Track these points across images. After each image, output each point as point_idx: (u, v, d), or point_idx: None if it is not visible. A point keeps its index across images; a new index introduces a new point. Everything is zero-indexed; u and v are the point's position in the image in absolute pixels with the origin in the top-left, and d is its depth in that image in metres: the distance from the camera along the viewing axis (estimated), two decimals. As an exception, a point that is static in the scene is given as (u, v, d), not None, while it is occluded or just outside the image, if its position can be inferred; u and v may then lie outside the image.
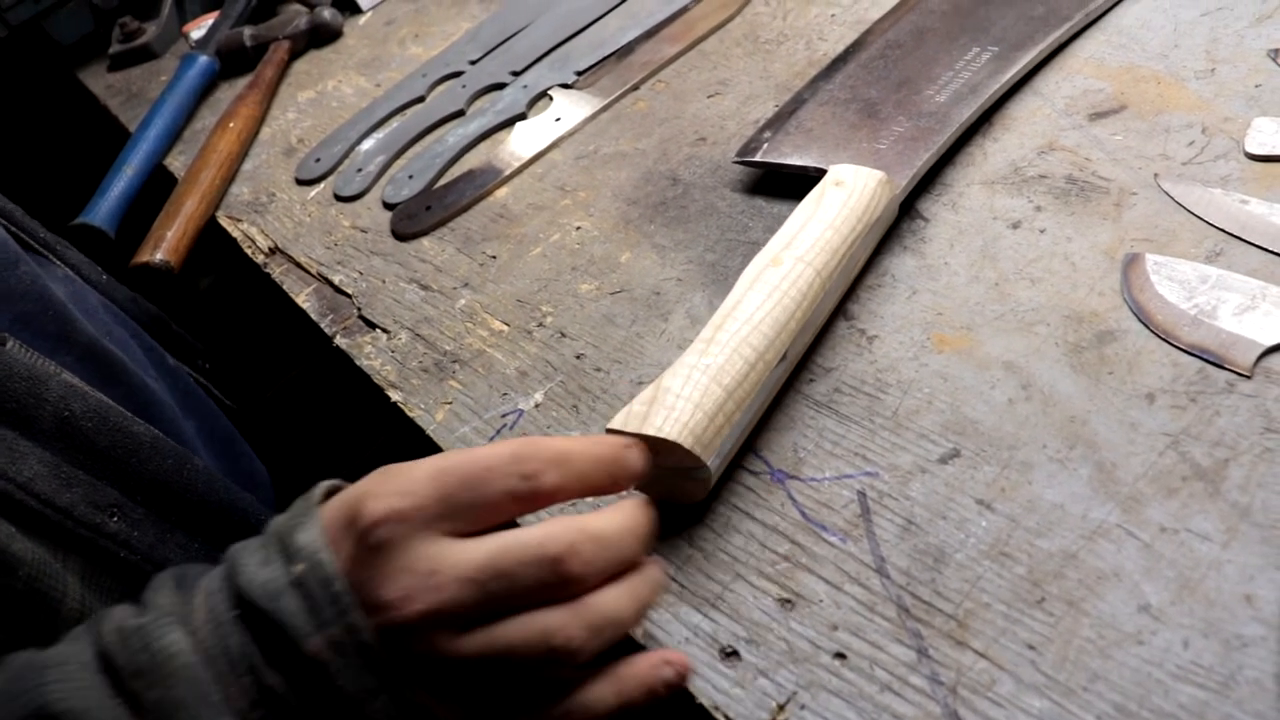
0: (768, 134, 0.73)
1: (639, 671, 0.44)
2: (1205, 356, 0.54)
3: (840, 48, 0.82)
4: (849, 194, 0.61)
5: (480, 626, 0.42)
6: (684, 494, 0.54)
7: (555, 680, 0.44)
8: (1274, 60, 0.68)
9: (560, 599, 0.42)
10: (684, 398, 0.52)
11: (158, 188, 1.02)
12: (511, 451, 0.44)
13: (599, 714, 0.43)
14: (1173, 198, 0.62)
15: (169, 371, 0.79)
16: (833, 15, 0.88)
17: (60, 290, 0.69)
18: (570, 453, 0.44)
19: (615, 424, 0.52)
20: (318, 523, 0.43)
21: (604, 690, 0.44)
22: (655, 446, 0.50)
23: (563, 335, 0.68)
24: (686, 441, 0.50)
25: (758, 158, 0.71)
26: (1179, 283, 0.57)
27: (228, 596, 0.43)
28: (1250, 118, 0.65)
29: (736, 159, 0.73)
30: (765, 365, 0.54)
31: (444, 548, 0.42)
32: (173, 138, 1.08)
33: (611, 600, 0.43)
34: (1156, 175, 0.63)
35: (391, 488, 0.43)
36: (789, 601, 0.50)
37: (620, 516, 0.44)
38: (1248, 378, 0.52)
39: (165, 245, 0.88)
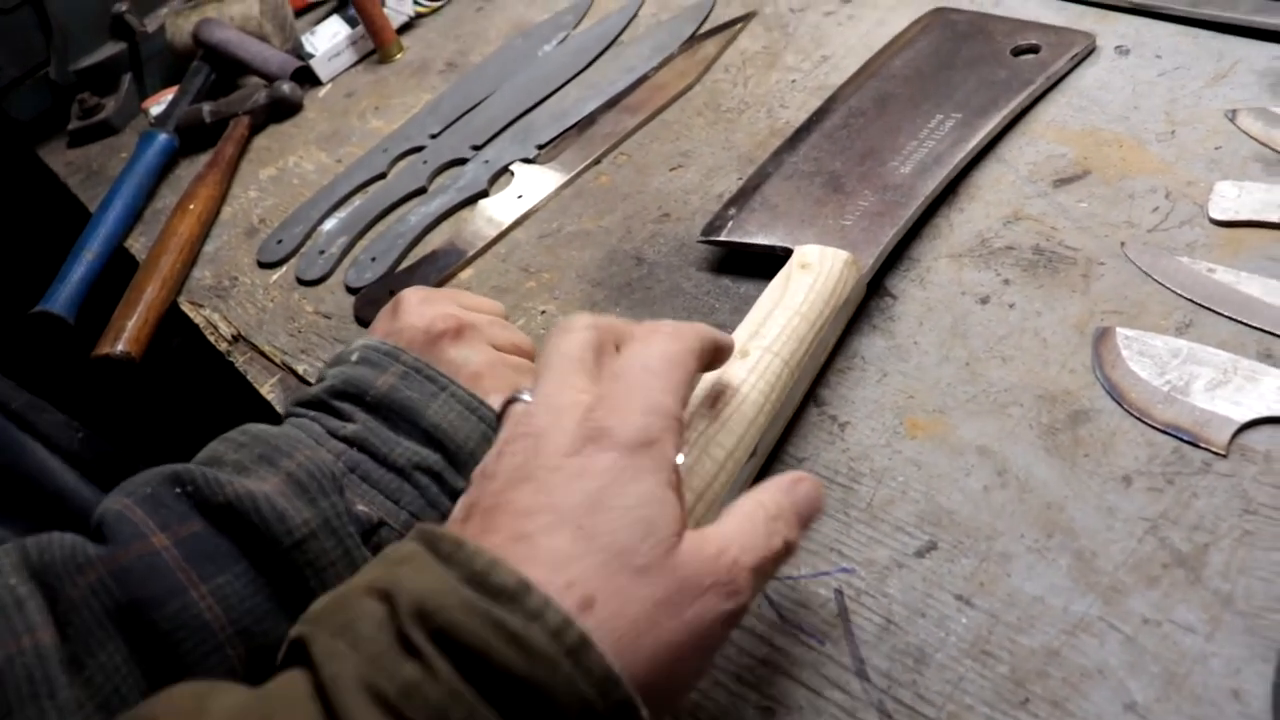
0: (732, 211, 0.72)
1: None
2: (1180, 435, 0.53)
3: (802, 115, 0.81)
4: (815, 277, 0.60)
5: None
6: None
7: None
8: (1231, 121, 0.68)
9: None
10: None
11: (119, 270, 1.01)
12: None
13: None
14: (1140, 267, 0.61)
15: None
16: (793, 81, 0.87)
17: None
18: None
19: None
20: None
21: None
22: None
23: (530, 427, 0.67)
24: None
25: (723, 237, 0.70)
26: (1151, 358, 0.56)
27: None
28: (1212, 181, 0.64)
29: (702, 239, 0.72)
30: (735, 464, 0.53)
31: None
32: (133, 218, 1.06)
33: None
34: (1123, 244, 0.63)
35: None
36: (769, 709, 0.49)
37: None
38: (1224, 456, 0.51)
39: (126, 336, 0.87)
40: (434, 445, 0.55)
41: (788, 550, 0.43)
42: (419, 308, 0.62)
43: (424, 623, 0.34)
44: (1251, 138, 0.66)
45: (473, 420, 0.56)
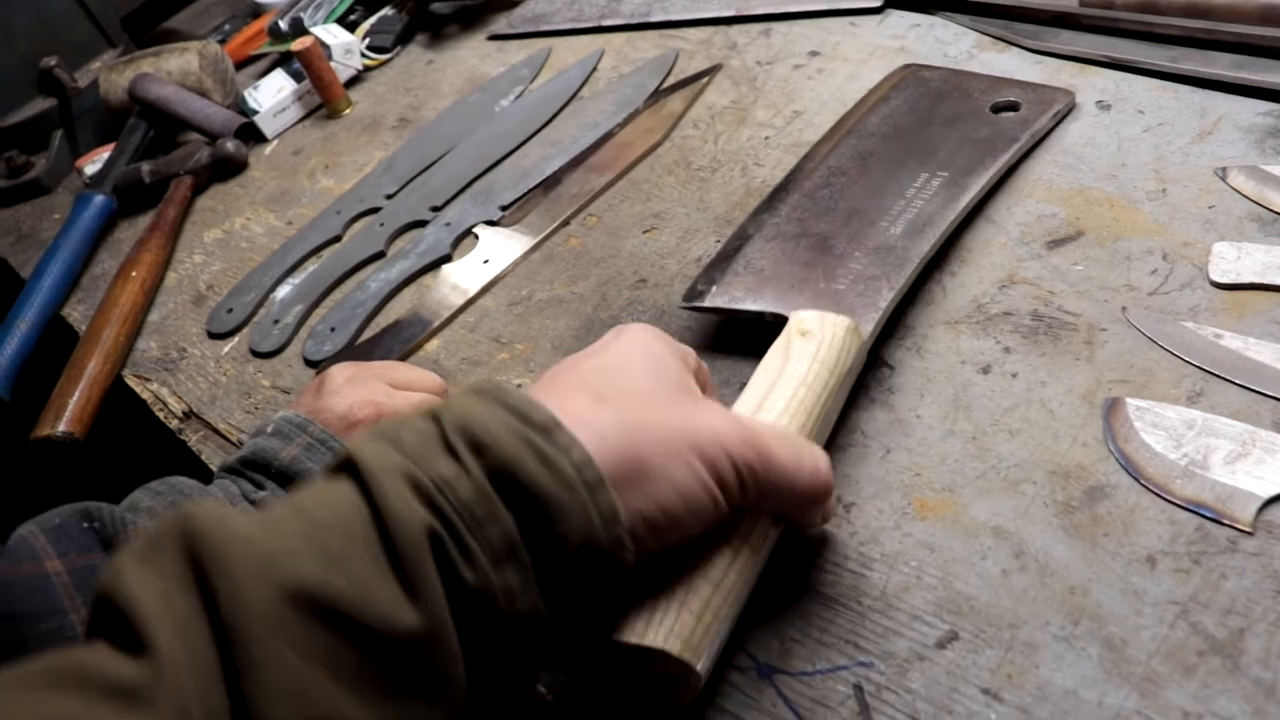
0: (715, 274, 0.69)
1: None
2: (1203, 512, 0.51)
3: (778, 173, 0.79)
4: (818, 345, 0.57)
5: None
6: (669, 699, 0.49)
7: None
8: (1222, 179, 0.66)
9: None
10: (664, 595, 0.46)
11: (56, 341, 0.96)
12: None
13: None
14: (1144, 333, 0.59)
15: None
16: (766, 138, 0.85)
17: None
18: None
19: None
20: None
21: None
22: (639, 655, 0.45)
23: (514, 513, 0.63)
24: (674, 648, 0.45)
25: (706, 302, 0.67)
26: (1164, 430, 0.54)
27: None
28: (1209, 241, 0.63)
29: (684, 304, 0.69)
30: (750, 550, 0.49)
31: None
32: (70, 285, 1.02)
33: None
34: (1124, 308, 0.61)
35: None
36: (792, 823, 0.46)
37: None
38: (1250, 534, 0.49)
39: (68, 415, 0.82)
40: None
41: (794, 468, 0.47)
42: (343, 389, 0.62)
43: (465, 433, 0.40)
44: (1244, 196, 0.65)
45: None
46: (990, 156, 0.71)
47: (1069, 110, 0.76)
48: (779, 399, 0.54)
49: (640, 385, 0.47)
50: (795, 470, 0.47)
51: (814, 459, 0.48)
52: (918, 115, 0.77)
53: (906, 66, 0.84)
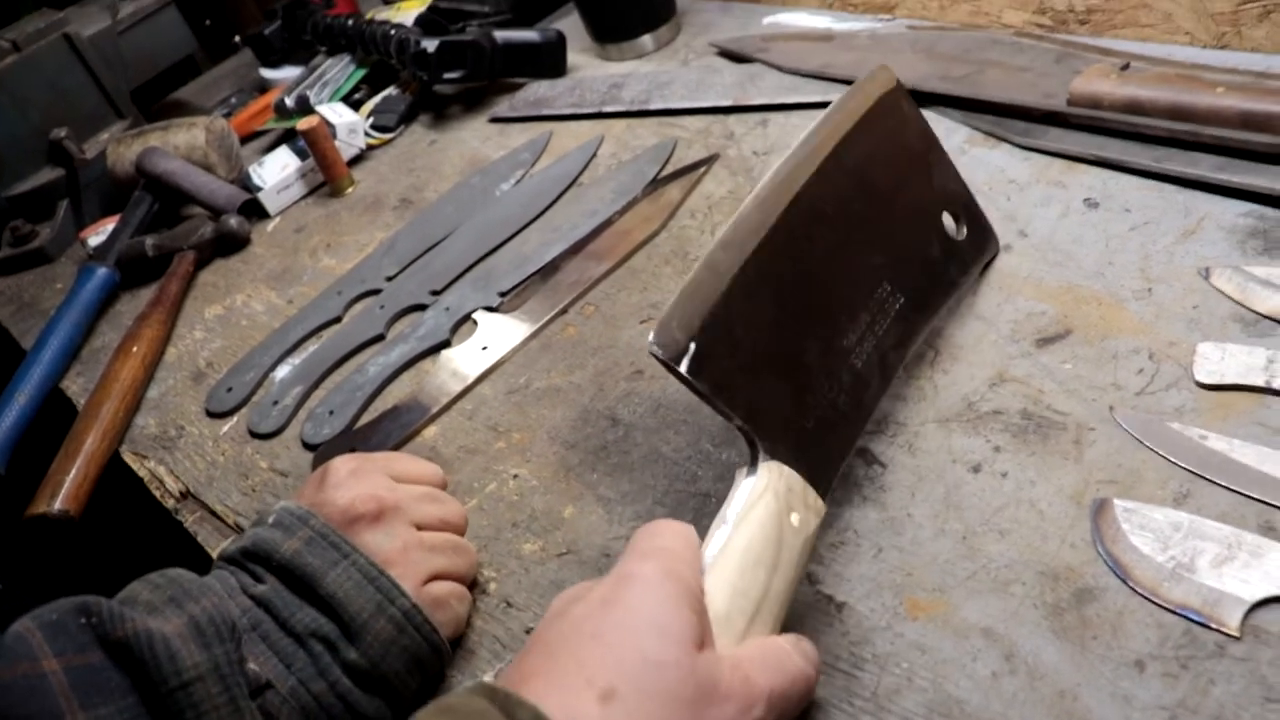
0: (693, 323, 0.57)
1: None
2: (1190, 616, 0.51)
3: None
4: (805, 541, 0.53)
5: None
6: None
7: None
8: (1205, 279, 0.68)
9: None
10: None
11: (54, 411, 0.97)
12: None
13: None
14: (1132, 434, 0.60)
15: None
16: (760, 228, 0.86)
17: None
18: None
19: None
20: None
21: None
22: None
23: (509, 605, 0.63)
24: None
25: (685, 371, 0.55)
26: (1152, 532, 0.55)
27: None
28: (1194, 341, 0.64)
29: (660, 355, 0.55)
30: None
31: None
32: (70, 357, 1.03)
33: None
34: (1112, 408, 0.62)
35: None
36: None
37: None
38: (1237, 639, 0.50)
39: (64, 493, 0.82)
40: (330, 613, 0.56)
41: (804, 681, 0.48)
42: (345, 482, 0.62)
43: None
44: (1227, 296, 0.66)
45: (369, 590, 0.56)
46: (934, 297, 0.69)
47: (995, 258, 0.76)
48: (773, 604, 0.51)
49: (651, 663, 0.43)
50: (806, 668, 0.49)
51: (800, 647, 0.50)
52: (887, 172, 0.70)
53: (895, 90, 0.73)
